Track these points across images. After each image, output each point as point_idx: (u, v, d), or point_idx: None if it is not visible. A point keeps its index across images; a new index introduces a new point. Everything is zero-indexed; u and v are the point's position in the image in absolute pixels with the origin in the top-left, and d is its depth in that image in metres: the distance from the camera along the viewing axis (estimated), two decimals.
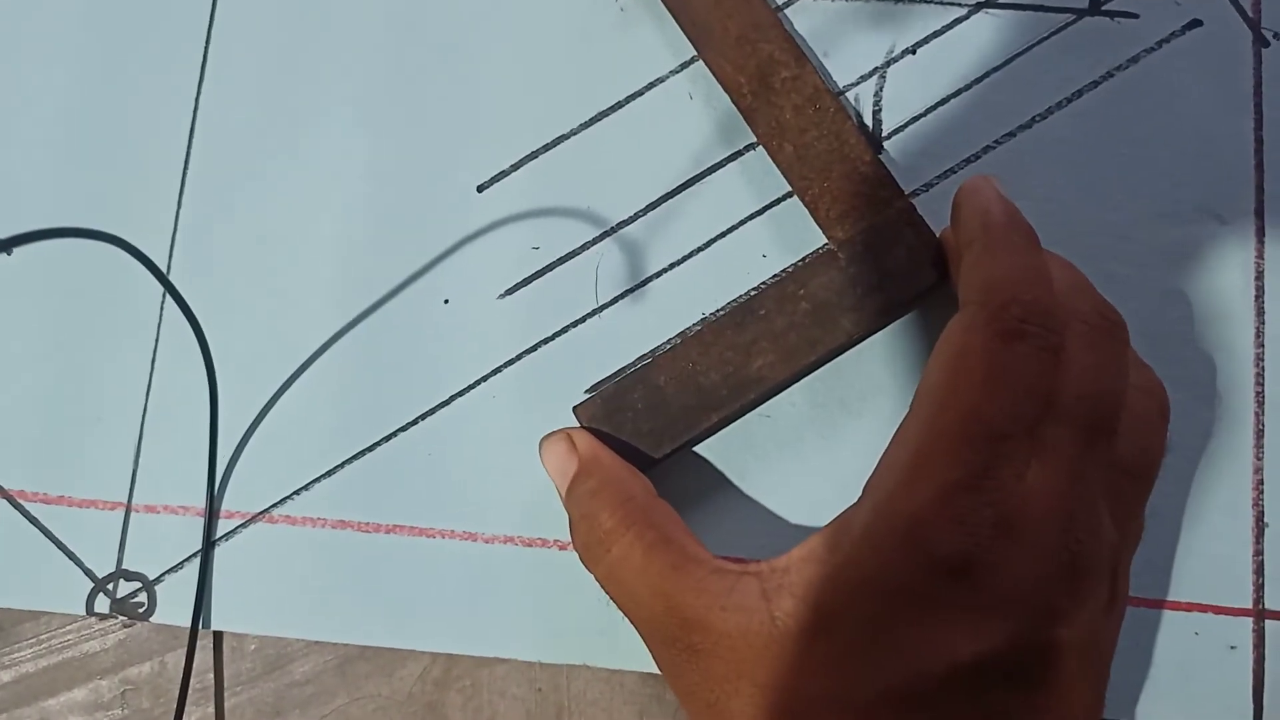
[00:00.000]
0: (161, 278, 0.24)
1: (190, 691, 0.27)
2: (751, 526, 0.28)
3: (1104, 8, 0.30)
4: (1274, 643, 0.27)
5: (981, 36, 0.30)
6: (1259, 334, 0.28)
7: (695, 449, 0.28)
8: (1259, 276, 0.28)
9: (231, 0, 0.31)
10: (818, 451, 0.28)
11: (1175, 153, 0.29)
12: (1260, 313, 0.28)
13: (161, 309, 0.29)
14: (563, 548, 0.28)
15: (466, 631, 0.27)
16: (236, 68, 0.30)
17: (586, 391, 0.28)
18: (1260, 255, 0.28)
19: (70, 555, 0.28)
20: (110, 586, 0.28)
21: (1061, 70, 0.29)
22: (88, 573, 0.28)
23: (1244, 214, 0.29)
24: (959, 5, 0.30)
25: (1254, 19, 0.30)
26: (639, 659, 0.27)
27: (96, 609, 0.28)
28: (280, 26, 0.31)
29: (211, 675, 0.28)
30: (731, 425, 0.28)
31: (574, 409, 0.27)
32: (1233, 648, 0.27)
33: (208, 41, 0.31)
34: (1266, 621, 0.27)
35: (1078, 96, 0.29)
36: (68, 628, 0.28)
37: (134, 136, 0.30)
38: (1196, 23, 0.30)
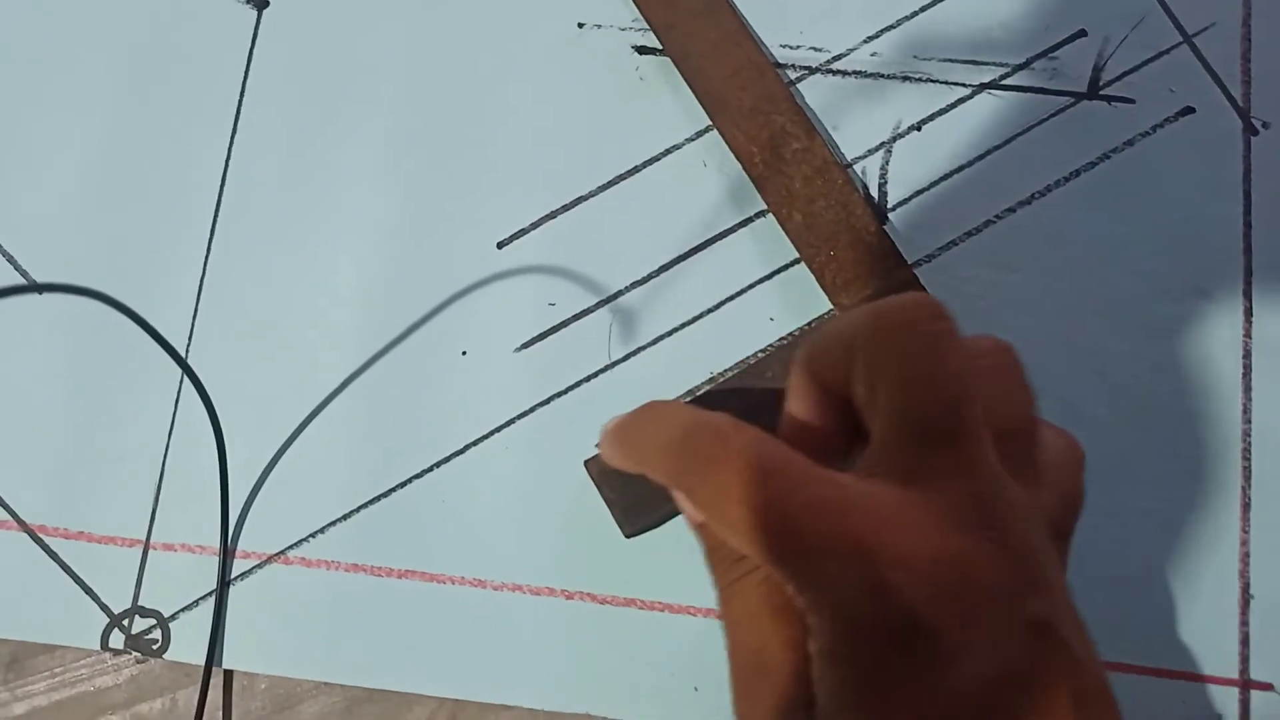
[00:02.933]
0: (153, 332, 0.25)
1: None
2: None
3: (1102, 93, 0.31)
4: (1259, 713, 0.27)
5: (984, 116, 0.31)
6: (1245, 410, 0.29)
7: None
8: (1246, 355, 0.29)
9: (265, 60, 0.32)
10: None
11: (1167, 233, 0.30)
12: (1247, 389, 0.29)
13: (187, 351, 0.30)
14: (569, 597, 0.29)
15: (474, 677, 0.28)
16: (268, 123, 0.32)
17: (597, 446, 0.29)
18: (1248, 334, 0.30)
19: (87, 590, 0.29)
20: (126, 622, 0.29)
21: (1060, 151, 0.31)
22: (104, 608, 0.29)
23: (1232, 293, 0.30)
24: (963, 85, 0.31)
25: (1244, 108, 0.31)
26: (641, 709, 0.28)
27: (111, 644, 0.29)
28: (311, 85, 0.32)
29: (221, 713, 0.28)
30: None
31: (585, 463, 0.28)
32: (1219, 717, 0.27)
33: (241, 96, 0.32)
34: (1251, 692, 0.28)
35: (1075, 176, 0.31)
36: (82, 662, 0.29)
37: (168, 185, 0.31)
38: (1189, 110, 0.31)
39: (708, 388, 0.29)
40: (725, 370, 0.30)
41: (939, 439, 0.18)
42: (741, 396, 0.28)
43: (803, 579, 0.17)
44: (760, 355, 0.30)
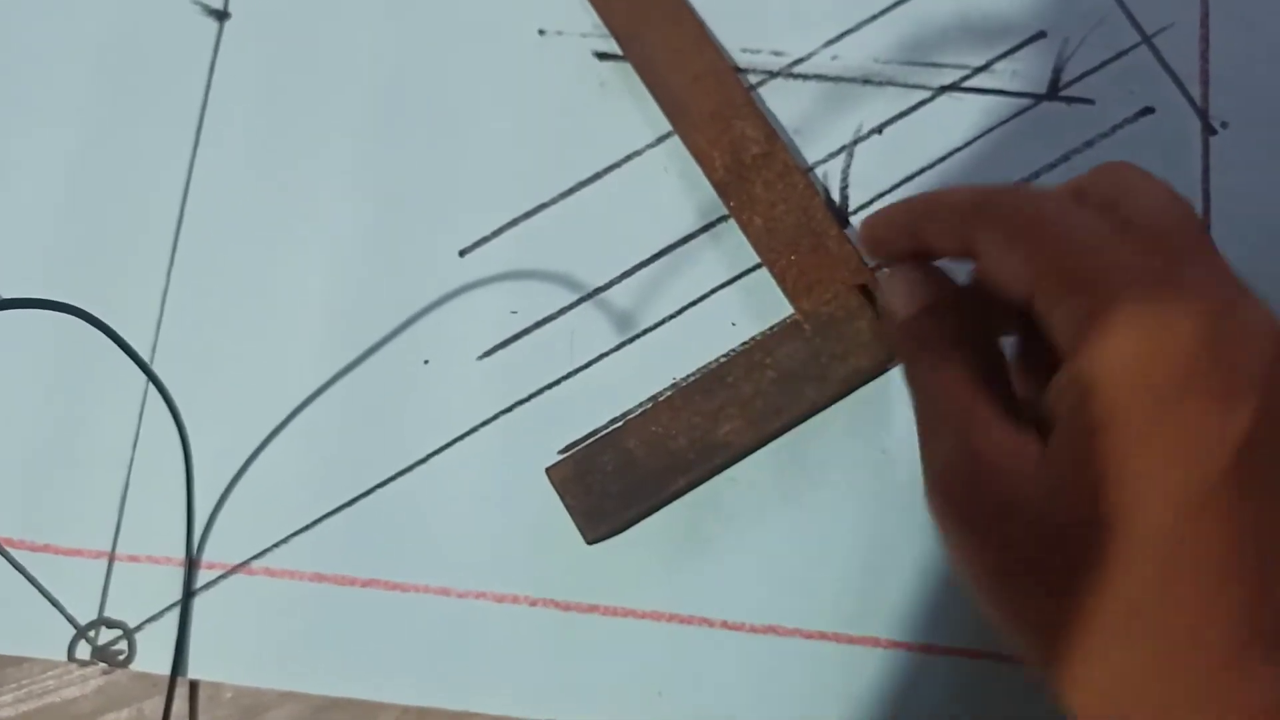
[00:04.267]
0: (118, 340, 0.25)
1: None
2: (717, 586, 0.29)
3: (1062, 94, 0.31)
4: None
5: (945, 118, 0.31)
6: None
7: (663, 510, 0.29)
8: None
9: (226, 72, 0.32)
10: (781, 515, 0.29)
11: None
12: None
13: (151, 362, 0.30)
14: (533, 604, 0.29)
15: (439, 685, 0.28)
16: (230, 135, 0.32)
17: (560, 453, 0.29)
18: None
19: (53, 602, 0.29)
20: (91, 633, 0.29)
21: (1021, 152, 0.31)
22: (70, 620, 0.29)
23: None
24: (924, 88, 0.31)
25: (1202, 108, 0.31)
26: (606, 713, 0.28)
27: (77, 655, 0.29)
28: (272, 97, 0.32)
29: None
30: (699, 488, 0.29)
31: (546, 470, 0.28)
32: None
33: (203, 108, 0.32)
34: None
35: (1036, 177, 0.31)
36: (49, 673, 0.29)
37: (131, 195, 0.31)
38: (1149, 110, 0.31)
39: (669, 393, 0.29)
40: (688, 375, 0.30)
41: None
42: (704, 399, 0.28)
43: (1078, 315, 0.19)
44: (722, 360, 0.30)
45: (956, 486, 0.21)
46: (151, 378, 0.26)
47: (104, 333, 0.24)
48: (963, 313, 0.23)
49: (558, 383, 0.30)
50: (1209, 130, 0.31)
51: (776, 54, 0.32)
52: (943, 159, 0.31)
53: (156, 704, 0.29)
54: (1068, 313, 0.19)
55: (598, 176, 0.31)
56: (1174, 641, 0.18)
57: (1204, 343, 0.18)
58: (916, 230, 0.23)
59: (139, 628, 0.29)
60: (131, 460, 0.30)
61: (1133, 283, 0.19)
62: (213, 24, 0.32)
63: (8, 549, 0.29)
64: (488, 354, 0.30)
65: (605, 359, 0.30)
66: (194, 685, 0.29)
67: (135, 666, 0.29)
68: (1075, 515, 0.19)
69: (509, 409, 0.30)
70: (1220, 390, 0.18)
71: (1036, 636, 0.20)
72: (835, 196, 0.31)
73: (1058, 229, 0.20)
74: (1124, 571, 0.18)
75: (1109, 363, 0.18)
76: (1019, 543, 0.19)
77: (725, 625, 0.28)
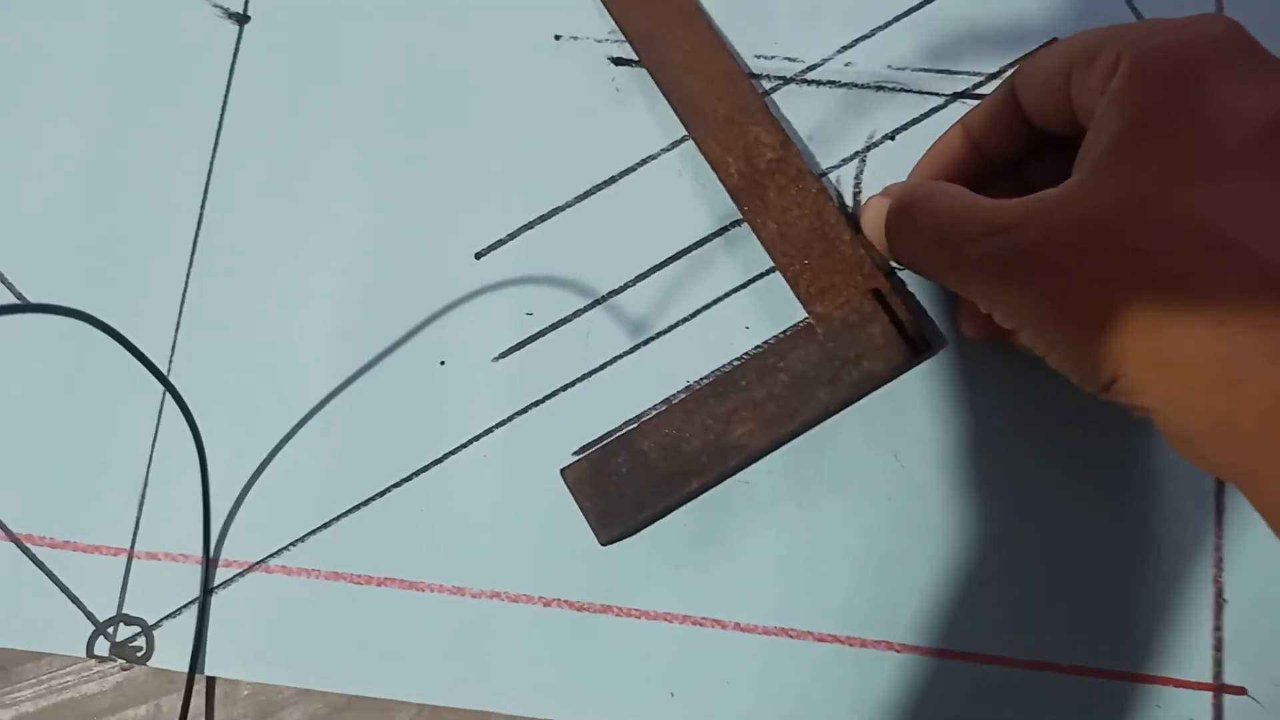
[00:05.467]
0: (134, 350, 0.25)
1: None
2: (729, 588, 0.29)
3: None
4: (1232, 717, 0.27)
5: None
6: None
7: (677, 512, 0.29)
8: None
9: (246, 75, 0.33)
10: (795, 518, 0.29)
11: None
12: None
13: (170, 363, 0.31)
14: (546, 604, 0.29)
15: (453, 684, 0.28)
16: (249, 138, 0.32)
17: (574, 454, 0.29)
18: None
19: (73, 598, 0.29)
20: (110, 630, 0.29)
21: None
22: (89, 616, 0.29)
23: None
24: (936, 95, 0.32)
25: None
26: (617, 714, 0.28)
27: (96, 652, 0.29)
28: (291, 100, 0.32)
29: None
30: (712, 490, 0.29)
31: (561, 471, 0.28)
32: None
33: (222, 112, 0.32)
34: (1224, 696, 0.28)
35: None
36: (68, 669, 0.29)
37: (150, 199, 0.32)
38: None
39: (683, 395, 0.29)
40: (701, 378, 0.30)
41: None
42: (718, 402, 0.29)
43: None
44: (735, 363, 0.30)
45: (1016, 249, 0.22)
46: (163, 381, 0.26)
47: (114, 338, 0.25)
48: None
49: (572, 384, 0.30)
50: None
51: (790, 60, 0.32)
52: None
53: (174, 701, 0.29)
54: (1103, 63, 0.22)
55: (613, 180, 0.32)
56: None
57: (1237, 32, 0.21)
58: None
59: (157, 624, 0.29)
60: (150, 459, 0.30)
61: (1152, 25, 0.22)
62: (233, 27, 0.33)
63: (28, 545, 0.30)
64: (503, 355, 0.31)
65: (620, 361, 0.30)
66: (211, 682, 0.29)
67: (153, 663, 0.29)
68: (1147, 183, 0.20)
69: (524, 410, 0.30)
70: (1263, 58, 0.21)
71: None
72: (848, 202, 0.31)
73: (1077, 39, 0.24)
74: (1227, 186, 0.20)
75: (1171, 42, 0.21)
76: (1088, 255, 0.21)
77: (738, 627, 0.28)
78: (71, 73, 0.33)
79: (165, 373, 0.31)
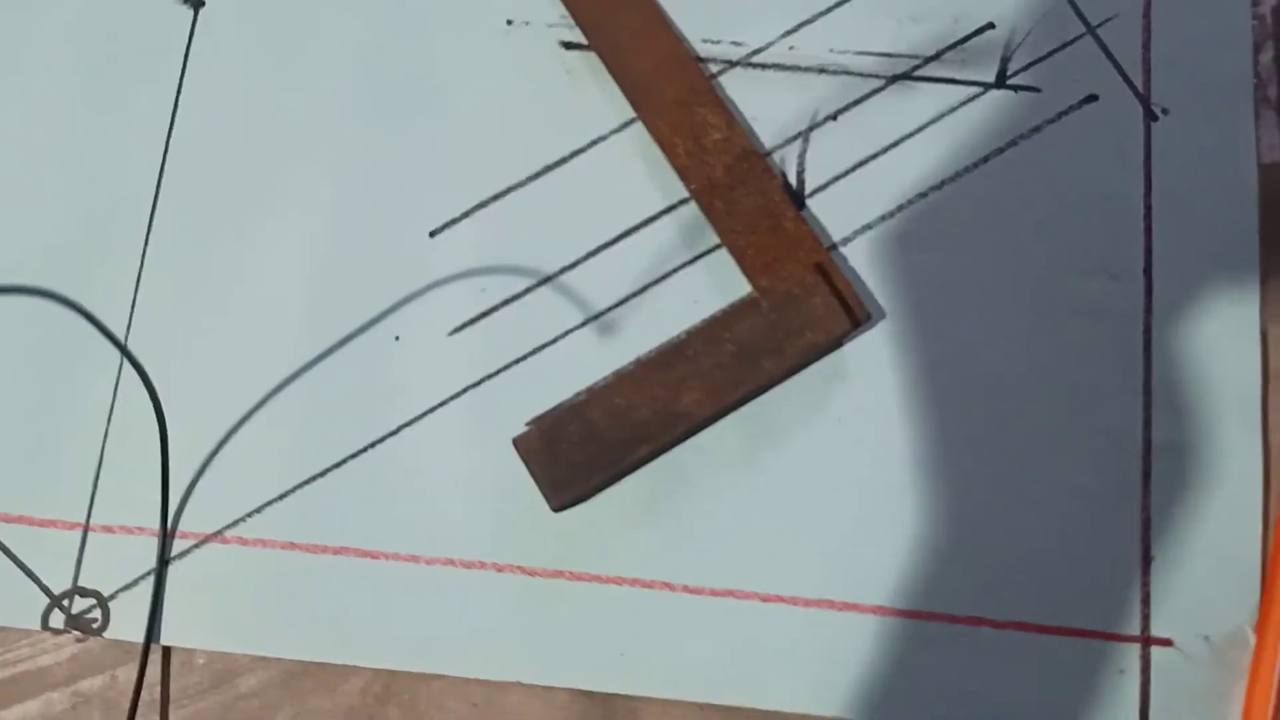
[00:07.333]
0: (94, 321, 0.26)
1: (140, 704, 0.29)
2: (678, 552, 0.30)
3: (1009, 82, 0.33)
4: (1159, 667, 0.29)
5: (897, 105, 0.33)
6: (1146, 382, 0.30)
7: (629, 478, 0.30)
8: (1147, 329, 0.31)
9: (201, 58, 0.33)
10: (741, 483, 0.30)
11: (1072, 215, 0.32)
12: (1148, 363, 0.31)
13: (126, 337, 0.31)
14: (500, 570, 0.30)
15: (407, 648, 0.29)
16: (205, 119, 0.33)
17: (526, 424, 0.30)
18: (1148, 309, 0.31)
19: (27, 572, 0.30)
20: (66, 603, 0.29)
21: (969, 138, 0.32)
22: (44, 589, 0.29)
23: (1134, 270, 0.31)
24: (877, 77, 0.33)
25: (1144, 95, 0.32)
26: (569, 675, 0.29)
27: (51, 624, 0.29)
28: (245, 83, 0.33)
29: (160, 688, 0.29)
30: (662, 457, 0.30)
31: (514, 440, 0.29)
32: (1121, 671, 0.29)
33: (178, 94, 0.33)
34: (1152, 648, 0.29)
35: (984, 162, 0.32)
36: (23, 642, 0.30)
37: (105, 181, 0.32)
38: (1093, 97, 0.32)
39: (633, 366, 0.30)
40: (651, 350, 0.31)
41: None
42: (666, 371, 0.29)
43: None
44: (684, 335, 0.31)
45: None
46: (125, 352, 0.27)
47: (77, 312, 0.25)
48: None
49: (525, 357, 0.31)
50: (1150, 116, 0.32)
51: (736, 44, 0.33)
52: (895, 144, 0.32)
53: (130, 671, 0.29)
54: None
55: (564, 160, 0.32)
56: None
57: None
58: None
59: (113, 596, 0.29)
60: (106, 433, 0.30)
61: None
62: (188, 11, 0.33)
63: None
64: (458, 330, 0.31)
65: (572, 334, 0.31)
66: (167, 652, 0.29)
67: (109, 634, 0.29)
68: None
69: (478, 383, 0.31)
70: None
71: None
72: (792, 180, 0.32)
73: None
74: None
75: None
76: None
77: (686, 589, 0.29)
78: (26, 57, 0.33)
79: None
